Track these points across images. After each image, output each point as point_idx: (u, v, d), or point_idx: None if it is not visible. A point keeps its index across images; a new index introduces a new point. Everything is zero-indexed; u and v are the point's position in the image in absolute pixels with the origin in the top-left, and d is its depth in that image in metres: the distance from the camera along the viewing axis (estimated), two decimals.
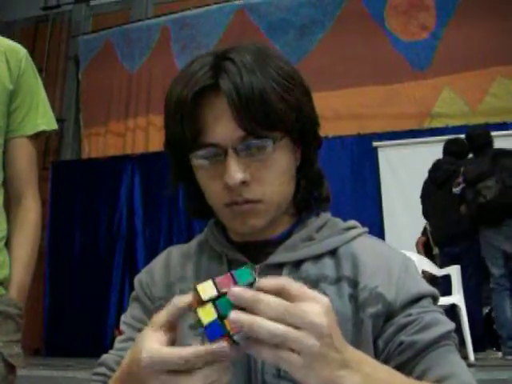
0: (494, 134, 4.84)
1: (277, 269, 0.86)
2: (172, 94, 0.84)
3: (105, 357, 0.95)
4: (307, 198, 0.91)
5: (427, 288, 0.85)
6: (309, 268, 0.86)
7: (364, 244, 0.89)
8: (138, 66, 8.04)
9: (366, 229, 0.93)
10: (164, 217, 7.23)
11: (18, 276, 1.37)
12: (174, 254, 0.98)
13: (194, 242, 0.99)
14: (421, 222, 5.29)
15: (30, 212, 1.42)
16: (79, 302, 7.07)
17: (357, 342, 0.80)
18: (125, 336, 0.95)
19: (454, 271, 4.50)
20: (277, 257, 0.86)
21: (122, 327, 0.97)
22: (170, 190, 0.98)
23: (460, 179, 4.66)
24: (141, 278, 0.98)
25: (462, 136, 4.99)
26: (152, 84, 7.89)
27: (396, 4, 6.95)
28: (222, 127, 0.80)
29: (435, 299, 0.86)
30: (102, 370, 0.93)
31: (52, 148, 8.29)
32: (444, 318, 0.83)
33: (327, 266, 0.86)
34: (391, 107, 6.66)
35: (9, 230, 1.40)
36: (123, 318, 0.98)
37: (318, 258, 0.87)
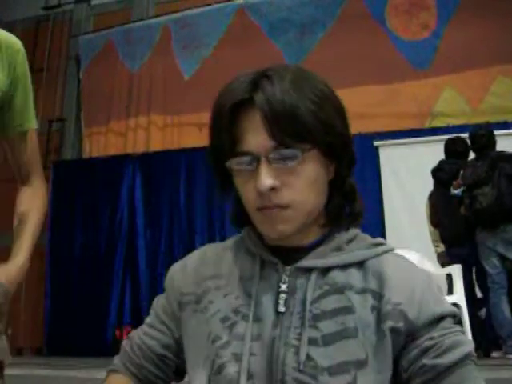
0: (495, 133, 4.84)
1: (305, 272, 0.91)
2: (215, 106, 0.91)
3: (133, 335, 1.06)
4: (338, 212, 0.95)
5: (448, 308, 0.89)
6: (336, 275, 0.91)
7: (390, 260, 0.93)
8: (139, 65, 8.05)
9: (393, 246, 0.97)
10: (165, 216, 7.24)
11: (26, 243, 1.36)
12: (210, 251, 1.04)
13: (230, 241, 1.05)
14: (421, 222, 5.29)
15: (41, 188, 1.46)
16: (80, 302, 7.08)
17: (378, 351, 0.86)
18: (151, 322, 1.05)
19: (456, 270, 4.51)
20: (307, 261, 0.92)
21: (152, 312, 1.06)
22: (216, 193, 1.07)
23: (460, 181, 4.68)
24: (174, 271, 1.05)
25: (463, 135, 5.00)
26: (153, 83, 7.90)
27: (397, 3, 6.95)
28: (256, 137, 0.87)
29: (455, 317, 0.90)
30: (127, 347, 1.06)
31: (53, 147, 8.31)
32: (464, 339, 0.88)
33: (354, 275, 0.91)
34: (392, 106, 6.66)
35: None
36: (156, 300, 1.07)
37: (345, 267, 0.92)
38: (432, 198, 5.13)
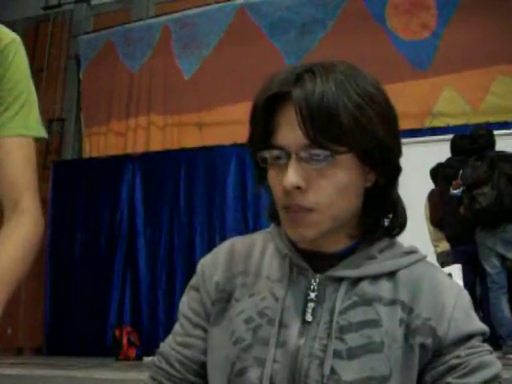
0: (495, 133, 4.85)
1: (335, 282, 0.89)
2: (255, 96, 0.88)
3: (166, 350, 0.98)
4: (373, 224, 0.91)
5: (478, 326, 0.87)
6: (366, 286, 0.88)
7: (423, 271, 0.91)
8: (139, 65, 8.04)
9: (425, 254, 0.95)
10: (165, 216, 7.24)
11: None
12: (238, 246, 1.00)
13: (258, 237, 1.01)
14: (421, 222, 5.28)
15: (23, 224, 1.13)
16: (80, 302, 7.08)
17: (404, 366, 0.84)
18: (182, 330, 0.98)
19: (456, 270, 4.51)
20: (337, 271, 0.89)
21: (181, 318, 0.99)
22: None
23: (459, 181, 4.68)
24: (204, 265, 1.00)
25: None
26: (153, 83, 7.90)
27: (397, 3, 6.95)
28: (289, 132, 0.83)
29: (484, 334, 0.88)
30: (163, 364, 0.97)
31: (53, 147, 8.31)
32: (492, 360, 0.85)
33: (384, 287, 0.88)
34: None
35: None
36: (181, 306, 1.00)
37: (376, 277, 0.89)
38: (432, 197, 5.12)
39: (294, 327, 0.87)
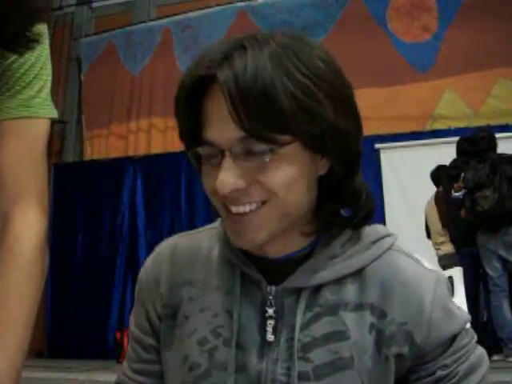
0: (496, 135, 4.85)
1: (294, 293, 0.77)
2: (178, 84, 0.73)
3: (123, 380, 0.88)
4: (331, 220, 0.77)
5: (460, 322, 0.78)
6: (328, 292, 0.77)
7: (393, 262, 0.79)
8: (140, 67, 8.05)
9: (395, 237, 0.83)
10: (166, 219, 7.23)
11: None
12: (181, 248, 0.87)
13: (204, 235, 0.88)
14: (423, 224, 5.29)
15: (20, 250, 0.87)
16: (81, 304, 7.07)
17: (380, 378, 0.76)
18: (135, 355, 0.87)
19: (457, 273, 4.51)
20: (295, 280, 0.77)
21: (131, 341, 0.89)
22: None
23: (461, 184, 4.68)
24: (147, 272, 0.89)
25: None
26: (154, 86, 7.90)
27: (398, 6, 6.96)
28: (220, 124, 0.68)
29: (467, 324, 0.80)
30: None
31: (54, 150, 8.30)
32: (479, 359, 0.78)
33: (349, 290, 0.77)
34: (393, 109, 6.66)
35: None
36: (131, 325, 0.89)
37: (339, 280, 0.77)
38: (439, 198, 5.10)
39: (253, 349, 0.76)
